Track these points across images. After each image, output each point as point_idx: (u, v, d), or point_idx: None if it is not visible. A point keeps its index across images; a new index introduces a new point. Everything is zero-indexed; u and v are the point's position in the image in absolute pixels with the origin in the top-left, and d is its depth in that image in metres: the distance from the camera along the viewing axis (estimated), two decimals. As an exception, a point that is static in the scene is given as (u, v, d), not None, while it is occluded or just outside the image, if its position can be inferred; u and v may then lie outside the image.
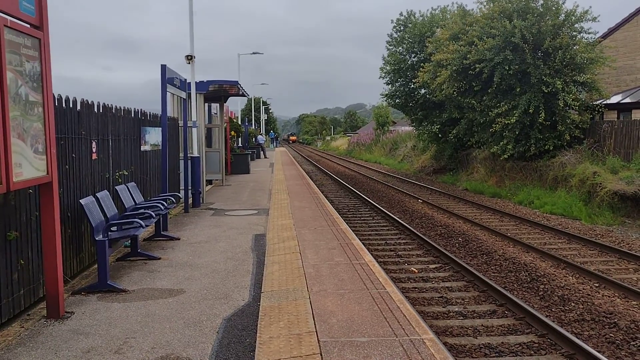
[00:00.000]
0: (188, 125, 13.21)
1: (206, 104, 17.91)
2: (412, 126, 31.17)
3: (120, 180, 8.57)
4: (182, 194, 12.69)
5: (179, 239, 9.16)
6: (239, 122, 37.91)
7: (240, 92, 17.65)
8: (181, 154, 13.30)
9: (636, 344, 5.80)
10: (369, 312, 5.19)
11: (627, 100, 18.16)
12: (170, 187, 11.68)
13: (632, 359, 5.49)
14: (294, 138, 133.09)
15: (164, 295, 6.02)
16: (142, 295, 6.01)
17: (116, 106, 8.53)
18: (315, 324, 4.87)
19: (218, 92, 17.39)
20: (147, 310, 5.50)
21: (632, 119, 16.93)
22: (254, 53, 43.37)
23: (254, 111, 65.16)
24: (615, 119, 17.75)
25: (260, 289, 6.21)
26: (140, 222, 6.97)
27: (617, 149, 15.59)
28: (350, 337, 4.59)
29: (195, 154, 13.26)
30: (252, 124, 57.42)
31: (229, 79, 16.71)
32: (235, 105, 61.60)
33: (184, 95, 12.77)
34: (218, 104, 19.80)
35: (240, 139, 31.73)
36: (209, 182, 18.39)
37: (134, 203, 8.51)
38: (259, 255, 8.01)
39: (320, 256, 7.56)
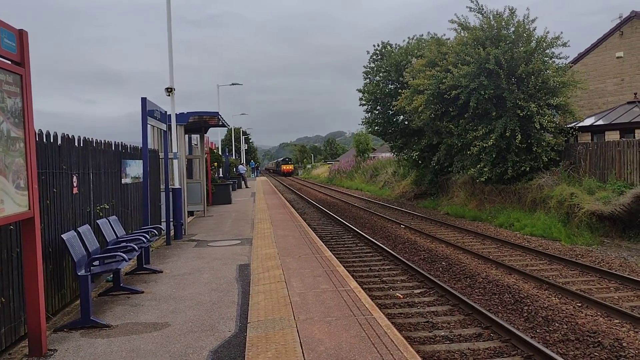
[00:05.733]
0: (169, 157, 13.19)
1: (187, 135, 17.94)
2: (392, 152, 31.49)
3: (101, 214, 8.51)
4: (163, 226, 12.59)
5: (162, 272, 9.06)
6: (220, 153, 37.95)
7: (221, 123, 17.72)
8: (162, 186, 13.24)
9: (620, 361, 5.87)
10: (357, 338, 5.19)
11: (600, 122, 18.65)
12: (152, 220, 11.58)
13: (617, 377, 5.55)
14: (289, 168, 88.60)
15: (149, 330, 5.93)
16: (126, 330, 5.93)
17: (97, 140, 8.52)
18: (303, 353, 4.85)
19: (198, 124, 17.45)
20: (132, 345, 5.42)
21: (606, 140, 17.36)
22: (233, 84, 43.94)
23: (234, 141, 65.25)
24: (590, 141, 18.18)
25: (246, 320, 6.16)
26: (124, 255, 6.91)
27: (593, 170, 15.92)
28: (339, 364, 4.57)
29: (177, 185, 13.22)
30: (232, 154, 57.44)
31: (209, 110, 16.78)
32: (215, 136, 61.42)
33: (164, 127, 12.78)
34: (198, 135, 19.85)
35: (221, 170, 31.69)
36: (191, 213, 18.28)
37: (115, 237, 8.44)
38: (243, 285, 7.96)
39: (306, 284, 7.54)
